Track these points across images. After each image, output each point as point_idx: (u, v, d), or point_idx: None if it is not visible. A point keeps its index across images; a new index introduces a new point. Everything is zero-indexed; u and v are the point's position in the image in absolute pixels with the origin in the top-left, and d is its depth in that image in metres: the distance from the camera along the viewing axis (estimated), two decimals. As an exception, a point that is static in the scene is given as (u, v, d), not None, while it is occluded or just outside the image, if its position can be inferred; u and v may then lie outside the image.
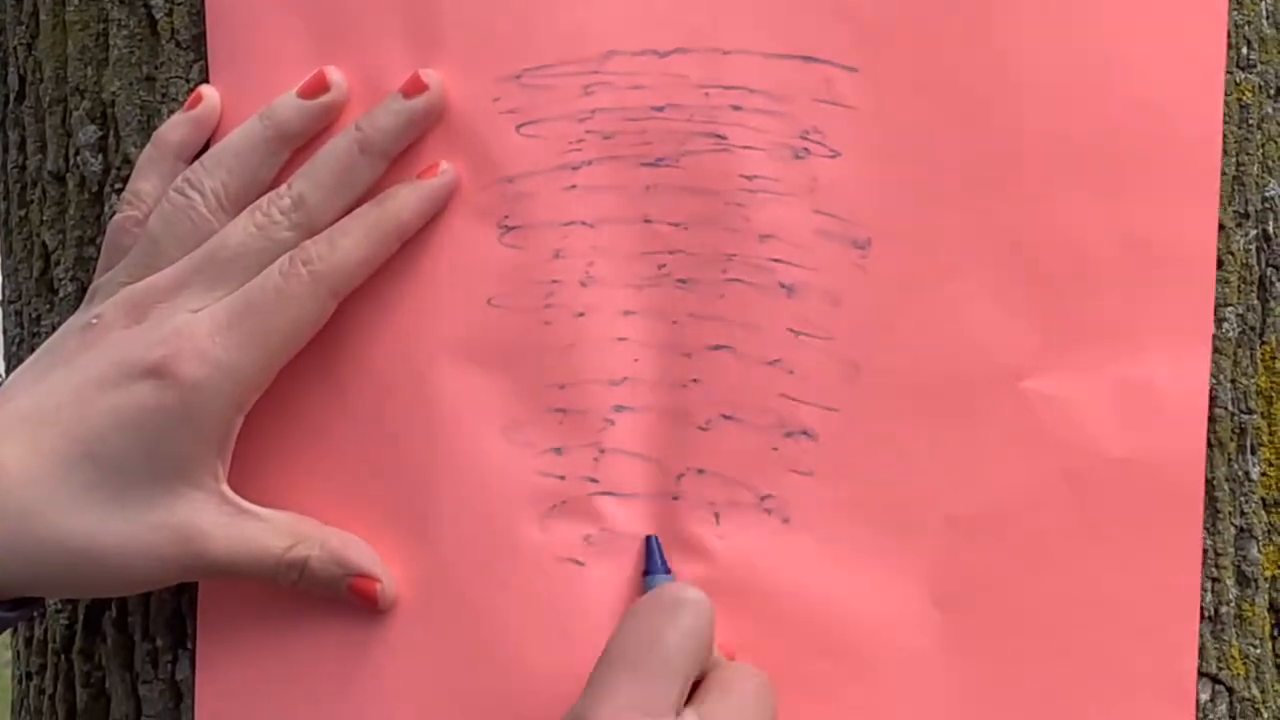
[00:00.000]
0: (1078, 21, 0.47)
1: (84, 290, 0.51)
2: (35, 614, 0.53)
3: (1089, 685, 0.47)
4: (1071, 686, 0.47)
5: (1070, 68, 0.47)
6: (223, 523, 0.46)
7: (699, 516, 0.47)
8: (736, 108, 0.48)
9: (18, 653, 0.58)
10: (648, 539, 0.47)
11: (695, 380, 0.48)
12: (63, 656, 0.54)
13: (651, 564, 0.47)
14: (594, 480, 0.48)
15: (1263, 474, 0.48)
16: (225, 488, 0.47)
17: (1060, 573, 0.47)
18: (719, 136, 0.48)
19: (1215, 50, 0.47)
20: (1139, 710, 0.46)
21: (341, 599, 0.47)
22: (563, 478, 0.48)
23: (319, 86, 0.49)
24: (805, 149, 0.48)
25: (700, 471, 0.48)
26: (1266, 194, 0.49)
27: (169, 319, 0.46)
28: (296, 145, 0.49)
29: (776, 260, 0.47)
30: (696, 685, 0.43)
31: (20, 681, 0.58)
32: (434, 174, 0.48)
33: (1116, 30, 0.47)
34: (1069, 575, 0.47)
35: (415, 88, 0.48)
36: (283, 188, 0.47)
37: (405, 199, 0.48)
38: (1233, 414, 0.48)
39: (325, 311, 0.47)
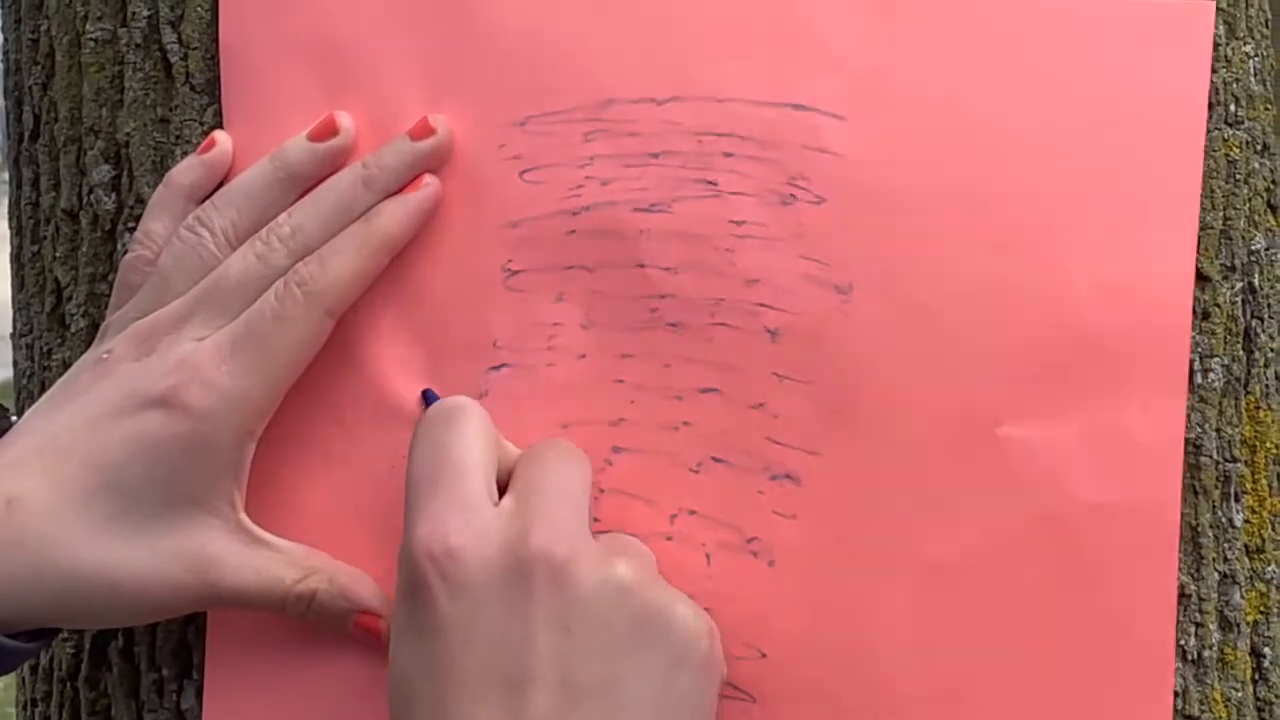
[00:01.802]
0: (1060, 74, 0.48)
1: (95, 326, 0.52)
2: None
3: None
4: None
5: (1052, 119, 0.48)
6: (236, 550, 0.47)
7: (691, 557, 0.48)
8: (728, 154, 0.49)
9: (23, 679, 0.59)
10: (423, 392, 0.49)
11: (686, 423, 0.48)
12: (68, 684, 0.55)
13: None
14: (595, 519, 0.48)
15: (1246, 521, 0.49)
16: (242, 515, 0.48)
17: (1035, 620, 0.47)
18: (710, 183, 0.49)
19: (1197, 104, 0.48)
20: None
21: (347, 634, 0.48)
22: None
23: (329, 130, 0.50)
24: (792, 195, 0.48)
25: (691, 512, 0.48)
26: (1252, 247, 0.50)
27: (174, 349, 0.47)
28: (305, 186, 0.50)
29: (762, 305, 0.48)
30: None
31: (25, 708, 0.58)
32: (418, 187, 0.49)
33: (1099, 83, 0.48)
34: (1044, 623, 0.47)
35: (423, 132, 0.49)
36: (282, 216, 0.49)
37: (392, 213, 0.48)
38: (1217, 462, 0.49)
39: (323, 331, 0.48)
